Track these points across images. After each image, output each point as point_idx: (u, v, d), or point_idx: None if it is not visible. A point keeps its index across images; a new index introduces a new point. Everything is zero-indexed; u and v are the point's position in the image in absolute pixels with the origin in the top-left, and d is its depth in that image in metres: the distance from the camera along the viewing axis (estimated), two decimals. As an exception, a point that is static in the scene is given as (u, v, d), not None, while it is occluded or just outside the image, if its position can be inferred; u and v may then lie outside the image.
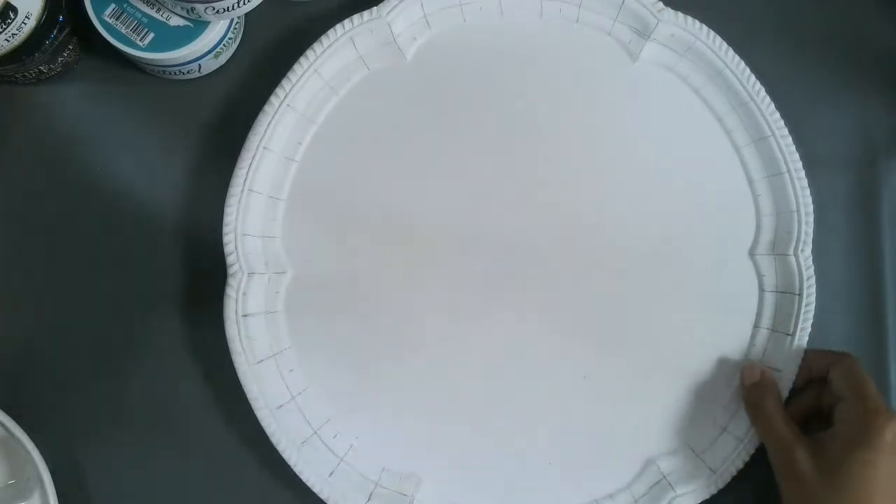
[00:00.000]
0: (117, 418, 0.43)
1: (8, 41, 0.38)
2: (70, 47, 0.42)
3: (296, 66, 0.42)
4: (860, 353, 0.45)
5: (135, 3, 0.41)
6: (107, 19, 0.41)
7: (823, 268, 0.44)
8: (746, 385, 0.43)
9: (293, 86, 0.42)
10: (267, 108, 0.42)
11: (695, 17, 0.44)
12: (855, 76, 0.48)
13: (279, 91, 0.42)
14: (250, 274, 0.41)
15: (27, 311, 0.43)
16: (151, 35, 0.41)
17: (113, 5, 0.41)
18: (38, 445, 0.40)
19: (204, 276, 0.42)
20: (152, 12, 0.41)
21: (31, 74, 0.42)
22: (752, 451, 0.42)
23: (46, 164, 0.44)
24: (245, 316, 0.41)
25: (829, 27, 0.48)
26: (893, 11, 0.48)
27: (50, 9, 0.39)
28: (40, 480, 0.40)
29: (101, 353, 0.43)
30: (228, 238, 0.41)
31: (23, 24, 0.38)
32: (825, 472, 0.38)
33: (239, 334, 0.41)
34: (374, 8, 0.42)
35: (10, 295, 0.43)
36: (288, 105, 0.42)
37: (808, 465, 0.38)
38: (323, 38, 0.42)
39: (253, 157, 0.41)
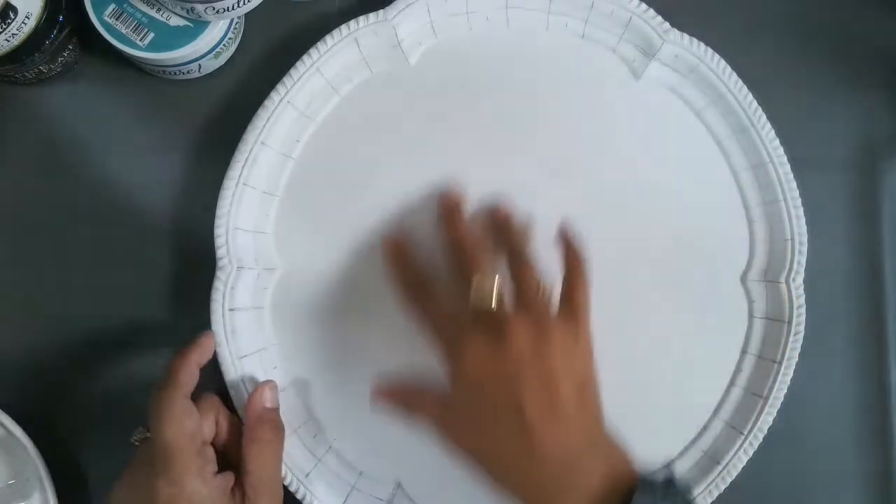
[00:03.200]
0: (115, 417, 0.42)
1: (8, 41, 0.38)
2: (70, 47, 0.42)
3: (298, 64, 0.42)
4: (861, 355, 0.45)
5: (135, 3, 0.41)
6: (107, 19, 0.40)
7: (823, 268, 0.45)
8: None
9: (294, 83, 0.42)
10: (267, 103, 0.42)
11: (694, 15, 0.44)
12: (855, 76, 0.48)
13: (280, 87, 0.42)
14: (239, 268, 0.41)
15: (27, 311, 0.43)
16: (151, 35, 0.41)
17: (113, 5, 0.41)
18: (38, 445, 0.40)
19: (204, 274, 0.42)
20: (152, 12, 0.41)
21: (31, 74, 0.42)
22: (728, 480, 0.42)
23: (46, 164, 0.44)
24: (232, 310, 0.41)
25: (829, 27, 0.48)
26: (893, 11, 0.48)
27: (50, 9, 0.39)
28: (40, 480, 0.40)
29: (101, 352, 0.43)
30: (220, 231, 0.41)
31: (23, 24, 0.38)
32: None
33: (224, 328, 0.41)
34: (381, 10, 0.42)
35: (9, 294, 0.43)
36: (288, 102, 0.42)
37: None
38: (327, 37, 0.42)
39: (250, 152, 0.41)
